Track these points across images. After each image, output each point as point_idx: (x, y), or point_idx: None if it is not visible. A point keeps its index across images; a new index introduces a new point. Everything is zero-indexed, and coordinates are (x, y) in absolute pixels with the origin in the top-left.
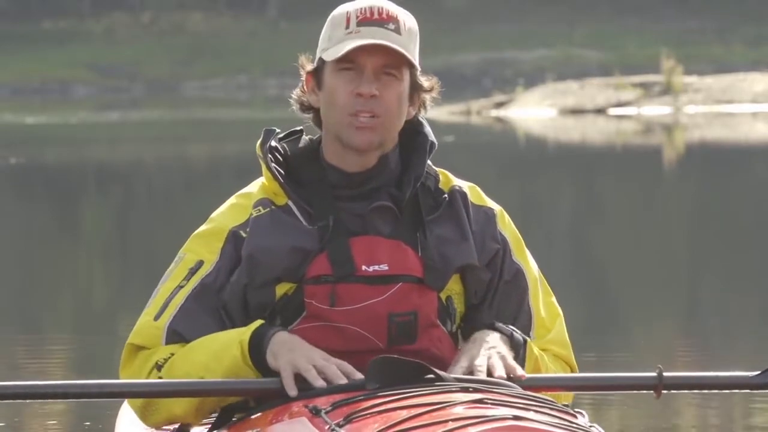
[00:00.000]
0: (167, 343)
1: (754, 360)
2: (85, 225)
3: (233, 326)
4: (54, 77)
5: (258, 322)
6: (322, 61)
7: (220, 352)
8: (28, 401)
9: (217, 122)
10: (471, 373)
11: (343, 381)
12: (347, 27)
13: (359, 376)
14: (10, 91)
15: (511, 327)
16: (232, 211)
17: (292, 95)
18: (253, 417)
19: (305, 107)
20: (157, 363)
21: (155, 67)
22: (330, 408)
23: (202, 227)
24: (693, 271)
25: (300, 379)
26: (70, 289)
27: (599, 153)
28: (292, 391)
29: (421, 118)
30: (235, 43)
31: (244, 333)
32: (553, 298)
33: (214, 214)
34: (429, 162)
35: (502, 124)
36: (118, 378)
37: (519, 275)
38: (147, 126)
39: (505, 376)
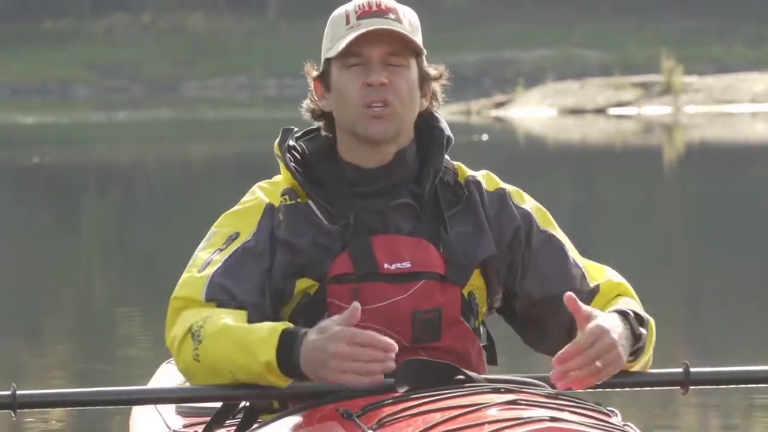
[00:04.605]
0: (208, 296)
1: (754, 359)
2: (85, 225)
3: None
4: (54, 77)
5: (282, 327)
6: (327, 62)
7: (246, 354)
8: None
9: (217, 122)
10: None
11: (389, 364)
12: (347, 23)
13: (394, 347)
14: (10, 91)
15: (631, 309)
16: (265, 192)
17: (303, 105)
18: (279, 420)
19: (317, 115)
20: (191, 330)
21: (155, 67)
22: (361, 412)
23: (235, 207)
24: (693, 270)
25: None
26: (70, 289)
27: (599, 153)
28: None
29: (436, 113)
30: (235, 43)
31: (271, 338)
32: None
33: (244, 198)
34: (446, 156)
35: (502, 124)
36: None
37: (551, 239)
38: (147, 126)
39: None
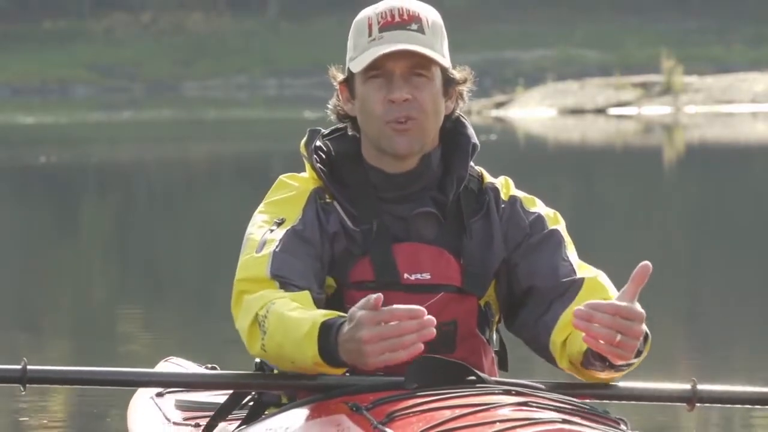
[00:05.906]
0: (272, 272)
1: (754, 359)
2: (85, 225)
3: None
4: (54, 77)
5: (323, 319)
6: (351, 71)
7: (297, 349)
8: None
9: (217, 122)
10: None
11: (429, 334)
12: (370, 34)
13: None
14: (10, 91)
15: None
16: (300, 183)
17: (329, 105)
18: (287, 413)
19: (342, 116)
20: (257, 319)
21: (155, 67)
22: (371, 406)
23: (275, 197)
24: (693, 271)
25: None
26: (70, 289)
27: (599, 153)
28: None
29: (463, 119)
30: (235, 43)
31: (311, 333)
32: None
33: (275, 191)
34: (471, 163)
35: (502, 124)
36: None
37: (553, 232)
38: (147, 126)
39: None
